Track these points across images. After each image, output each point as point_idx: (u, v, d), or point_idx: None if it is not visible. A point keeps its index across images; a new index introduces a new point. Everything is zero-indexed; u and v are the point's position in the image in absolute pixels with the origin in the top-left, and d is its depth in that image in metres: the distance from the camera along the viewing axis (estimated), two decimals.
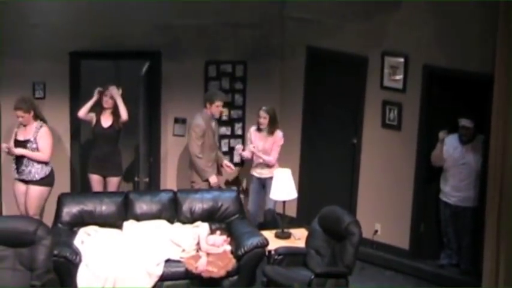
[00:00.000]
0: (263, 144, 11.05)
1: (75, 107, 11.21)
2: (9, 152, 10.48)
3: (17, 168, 10.51)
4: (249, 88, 11.81)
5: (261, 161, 11.03)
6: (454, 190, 10.38)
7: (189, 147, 11.07)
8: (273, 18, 11.65)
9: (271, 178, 10.79)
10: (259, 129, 11.09)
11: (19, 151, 10.41)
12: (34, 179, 10.50)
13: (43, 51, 11.06)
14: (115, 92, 10.84)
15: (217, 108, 11.04)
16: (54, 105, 11.01)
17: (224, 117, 11.73)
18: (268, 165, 11.02)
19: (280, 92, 11.87)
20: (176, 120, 11.61)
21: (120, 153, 11.07)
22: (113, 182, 10.93)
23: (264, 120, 10.97)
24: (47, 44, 11.06)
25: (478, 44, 10.03)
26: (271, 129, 11.02)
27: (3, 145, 10.57)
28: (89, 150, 11.21)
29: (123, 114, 10.83)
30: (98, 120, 10.90)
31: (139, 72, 11.40)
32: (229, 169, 11.38)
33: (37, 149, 10.46)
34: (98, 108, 10.92)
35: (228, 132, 11.88)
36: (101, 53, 11.29)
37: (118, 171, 10.99)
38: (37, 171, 10.50)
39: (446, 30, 10.29)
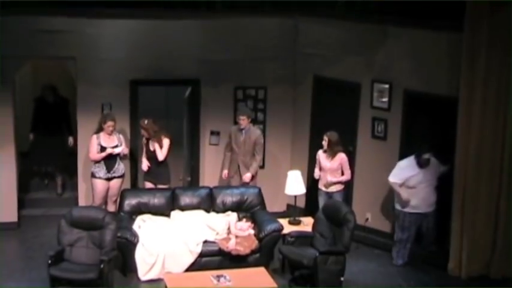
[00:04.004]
0: (330, 165, 10.43)
1: (134, 122, 11.20)
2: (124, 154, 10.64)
3: (110, 168, 10.51)
4: (268, 107, 11.68)
5: (334, 180, 10.42)
6: (422, 202, 10.02)
7: None
8: (287, 53, 11.49)
9: (337, 192, 10.48)
10: (325, 151, 10.49)
11: (125, 150, 10.61)
12: (120, 174, 10.59)
13: (109, 79, 11.10)
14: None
15: (238, 121, 10.87)
16: (118, 121, 10.87)
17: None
18: (335, 183, 10.45)
19: (293, 111, 11.74)
20: (212, 133, 11.51)
21: (168, 166, 10.78)
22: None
23: (325, 142, 10.37)
24: (112, 74, 11.10)
25: (447, 73, 9.96)
26: (332, 152, 10.39)
27: (121, 149, 10.58)
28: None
29: (159, 157, 10.58)
30: (147, 146, 10.71)
31: (183, 96, 11.44)
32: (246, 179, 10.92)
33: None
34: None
35: None
36: (154, 80, 11.27)
37: (167, 180, 10.80)
38: (122, 167, 10.63)
39: (421, 63, 10.22)
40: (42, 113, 11.66)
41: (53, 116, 11.63)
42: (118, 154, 10.57)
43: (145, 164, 10.72)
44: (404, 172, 10.03)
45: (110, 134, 10.55)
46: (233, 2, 11.25)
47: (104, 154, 10.47)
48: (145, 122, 10.61)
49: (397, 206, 10.18)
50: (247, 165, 10.96)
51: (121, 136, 10.72)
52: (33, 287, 9.26)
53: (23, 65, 11.36)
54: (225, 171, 11.04)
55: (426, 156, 9.98)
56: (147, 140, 10.70)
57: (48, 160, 11.82)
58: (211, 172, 11.64)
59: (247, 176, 10.91)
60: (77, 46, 10.92)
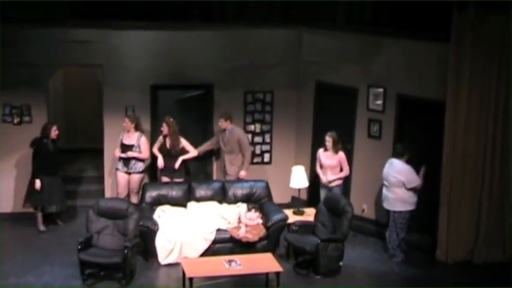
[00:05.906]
0: (330, 162, 10.40)
1: (154, 122, 11.21)
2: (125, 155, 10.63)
3: (127, 165, 10.62)
4: (275, 110, 11.69)
5: (332, 178, 10.39)
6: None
7: None
8: (292, 61, 11.50)
9: (336, 186, 10.43)
10: (326, 150, 10.46)
11: (131, 154, 10.55)
12: (137, 171, 10.67)
13: (132, 84, 11.16)
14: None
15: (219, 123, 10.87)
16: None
17: (257, 130, 11.67)
18: (334, 180, 10.42)
19: (297, 112, 11.75)
20: None
21: (183, 163, 10.79)
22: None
23: (329, 143, 10.35)
24: (135, 79, 11.16)
25: (435, 79, 9.98)
26: (336, 149, 10.38)
27: (124, 154, 10.63)
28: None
29: (193, 153, 10.78)
30: (164, 143, 10.75)
31: (191, 97, 11.30)
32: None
33: (139, 151, 10.61)
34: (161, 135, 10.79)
35: (260, 140, 11.72)
36: (171, 85, 11.28)
37: (181, 175, 10.83)
38: (139, 165, 10.67)
39: (413, 70, 10.24)
40: (41, 155, 10.48)
41: (53, 156, 10.51)
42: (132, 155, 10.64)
43: (161, 163, 10.76)
44: (415, 173, 9.81)
45: (128, 131, 10.63)
46: (243, 15, 11.33)
47: (116, 154, 10.63)
48: (171, 119, 10.68)
49: (401, 207, 9.78)
50: (232, 162, 10.91)
51: (142, 138, 10.69)
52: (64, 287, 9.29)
53: (56, 72, 11.46)
54: (198, 150, 10.97)
55: (401, 150, 9.80)
56: (164, 137, 10.74)
57: (56, 200, 10.70)
58: (223, 167, 11.54)
59: (242, 175, 10.86)
60: (103, 55, 11.01)
